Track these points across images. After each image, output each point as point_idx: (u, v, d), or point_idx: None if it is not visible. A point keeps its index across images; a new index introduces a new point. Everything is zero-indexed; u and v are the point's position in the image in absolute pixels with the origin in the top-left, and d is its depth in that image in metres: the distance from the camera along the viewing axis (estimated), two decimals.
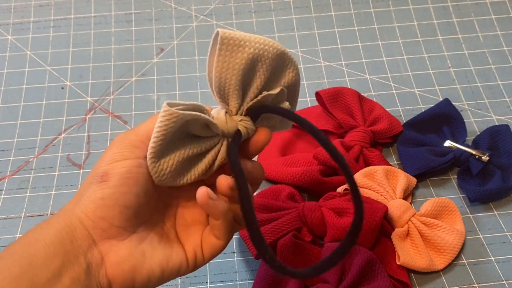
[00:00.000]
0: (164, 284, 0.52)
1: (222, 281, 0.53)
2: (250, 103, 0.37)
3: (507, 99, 0.68)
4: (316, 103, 0.64)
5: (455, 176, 0.61)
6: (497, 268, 0.54)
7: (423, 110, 0.64)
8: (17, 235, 0.57)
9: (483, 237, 0.56)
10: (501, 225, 0.57)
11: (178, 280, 0.53)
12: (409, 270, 0.53)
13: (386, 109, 0.64)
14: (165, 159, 0.36)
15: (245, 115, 0.38)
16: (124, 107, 0.67)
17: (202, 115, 0.35)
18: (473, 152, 0.60)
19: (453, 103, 0.64)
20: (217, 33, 0.35)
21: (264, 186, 0.59)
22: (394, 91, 0.69)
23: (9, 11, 0.76)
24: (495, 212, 0.58)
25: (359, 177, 0.56)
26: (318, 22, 0.75)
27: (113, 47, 0.73)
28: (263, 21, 0.76)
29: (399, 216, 0.54)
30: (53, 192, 0.60)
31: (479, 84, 0.69)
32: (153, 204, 0.38)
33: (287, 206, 0.54)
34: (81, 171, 0.62)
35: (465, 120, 0.63)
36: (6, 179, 0.61)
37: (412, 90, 0.69)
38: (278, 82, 0.38)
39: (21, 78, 0.70)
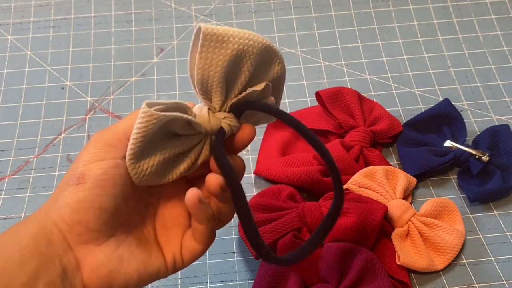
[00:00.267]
0: (164, 284, 0.52)
1: (222, 281, 0.53)
2: (234, 100, 0.36)
3: (507, 99, 0.68)
4: (316, 103, 0.64)
5: (455, 176, 0.61)
6: (497, 268, 0.54)
7: (423, 110, 0.64)
8: None
9: (483, 237, 0.56)
10: (501, 225, 0.57)
11: (178, 280, 0.53)
12: (409, 270, 0.53)
13: (386, 109, 0.64)
14: (145, 160, 0.35)
15: (228, 112, 0.37)
16: (124, 107, 0.67)
17: (183, 115, 0.34)
18: (473, 152, 0.60)
19: (453, 103, 0.64)
20: (199, 28, 0.33)
21: (264, 186, 0.59)
22: (394, 91, 0.69)
23: (9, 11, 0.76)
24: (495, 212, 0.58)
25: (359, 177, 0.56)
26: (318, 22, 0.75)
27: (113, 47, 0.73)
28: (263, 21, 0.76)
29: (399, 216, 0.54)
30: (53, 192, 0.60)
31: (479, 84, 0.69)
32: (132, 205, 0.37)
33: (287, 206, 0.54)
34: None
35: (465, 120, 0.63)
36: (6, 179, 0.61)
37: (412, 90, 0.69)
38: (263, 77, 0.37)
39: (21, 78, 0.70)
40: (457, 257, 0.54)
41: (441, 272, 0.53)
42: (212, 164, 0.36)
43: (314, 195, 0.59)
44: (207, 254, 0.54)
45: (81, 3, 0.77)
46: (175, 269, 0.38)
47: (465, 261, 0.54)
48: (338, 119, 0.62)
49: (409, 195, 0.58)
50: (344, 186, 0.56)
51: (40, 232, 0.33)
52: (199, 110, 0.36)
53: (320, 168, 0.57)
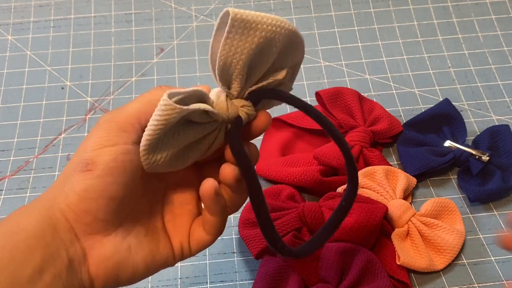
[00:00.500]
0: (164, 284, 0.53)
1: (222, 281, 0.53)
2: (254, 88, 0.35)
3: (507, 99, 0.68)
4: (316, 103, 0.64)
5: (455, 176, 0.61)
6: (497, 268, 0.54)
7: (423, 110, 0.64)
8: None
9: (483, 237, 0.56)
10: (501, 225, 0.57)
11: (178, 280, 0.53)
12: (409, 270, 0.53)
13: (386, 109, 0.64)
14: (159, 150, 0.33)
15: (245, 99, 0.35)
16: None
17: (204, 107, 0.32)
18: (473, 152, 0.60)
19: (453, 103, 0.64)
20: (227, 12, 0.31)
21: (264, 186, 0.59)
22: (394, 91, 0.69)
23: (9, 11, 0.76)
24: (495, 212, 0.58)
25: (359, 177, 0.56)
26: (318, 22, 0.75)
27: (113, 47, 0.73)
28: None
29: (399, 216, 0.54)
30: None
31: (479, 84, 0.69)
32: (141, 192, 0.36)
33: (287, 206, 0.54)
34: None
35: (465, 120, 0.63)
36: (6, 179, 0.61)
37: (412, 90, 0.69)
38: (285, 63, 0.35)
39: (21, 78, 0.70)
40: (457, 257, 0.54)
41: (441, 272, 0.53)
42: (228, 154, 0.35)
43: (314, 195, 0.59)
44: (207, 254, 0.54)
45: (81, 3, 0.77)
46: (182, 258, 0.37)
47: (465, 261, 0.54)
48: (338, 119, 0.62)
49: (409, 195, 0.58)
50: (344, 186, 0.56)
51: (46, 220, 0.32)
52: (217, 96, 0.35)
53: (320, 168, 0.57)
